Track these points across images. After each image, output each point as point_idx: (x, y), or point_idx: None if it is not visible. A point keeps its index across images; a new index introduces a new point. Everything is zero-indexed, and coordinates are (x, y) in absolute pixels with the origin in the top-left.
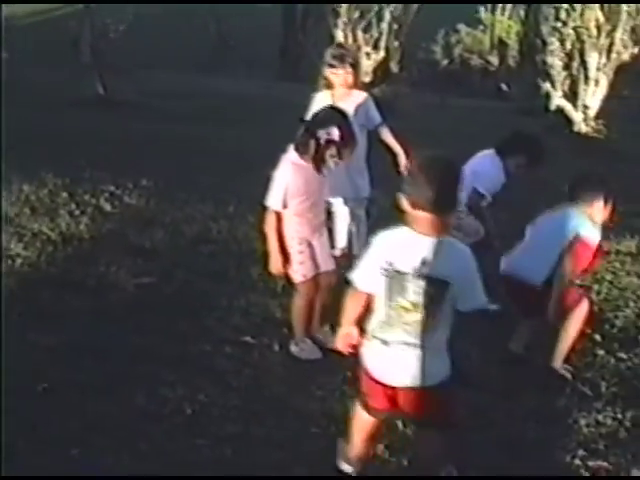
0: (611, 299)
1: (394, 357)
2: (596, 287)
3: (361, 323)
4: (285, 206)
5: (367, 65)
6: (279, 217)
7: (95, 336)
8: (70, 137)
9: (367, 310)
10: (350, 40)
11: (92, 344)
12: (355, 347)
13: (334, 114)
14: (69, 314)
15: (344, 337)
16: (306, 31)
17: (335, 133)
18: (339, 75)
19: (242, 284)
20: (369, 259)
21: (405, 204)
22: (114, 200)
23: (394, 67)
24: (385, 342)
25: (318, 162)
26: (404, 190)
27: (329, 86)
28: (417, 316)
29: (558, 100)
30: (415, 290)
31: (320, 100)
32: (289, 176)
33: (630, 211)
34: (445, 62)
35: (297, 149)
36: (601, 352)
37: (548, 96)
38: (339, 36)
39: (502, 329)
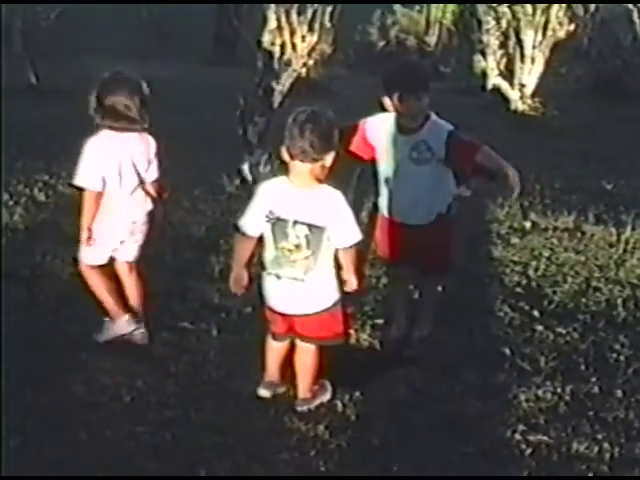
0: (549, 275)
1: (286, 290)
2: (534, 263)
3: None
4: None
5: (302, 48)
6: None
7: (31, 326)
8: (2, 126)
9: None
10: (284, 22)
11: (28, 334)
12: (247, 288)
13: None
14: (4, 304)
15: (236, 280)
16: (240, 15)
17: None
18: None
19: (179, 270)
20: (254, 207)
21: (285, 155)
22: (48, 190)
23: (328, 49)
24: (278, 277)
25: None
26: (284, 143)
27: None
28: (300, 256)
29: (494, 79)
30: (296, 235)
31: None
32: None
33: (567, 187)
34: (381, 43)
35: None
36: (540, 327)
37: (484, 75)
38: (273, 19)
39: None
